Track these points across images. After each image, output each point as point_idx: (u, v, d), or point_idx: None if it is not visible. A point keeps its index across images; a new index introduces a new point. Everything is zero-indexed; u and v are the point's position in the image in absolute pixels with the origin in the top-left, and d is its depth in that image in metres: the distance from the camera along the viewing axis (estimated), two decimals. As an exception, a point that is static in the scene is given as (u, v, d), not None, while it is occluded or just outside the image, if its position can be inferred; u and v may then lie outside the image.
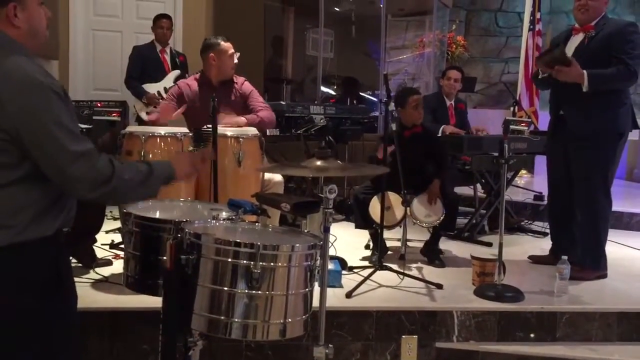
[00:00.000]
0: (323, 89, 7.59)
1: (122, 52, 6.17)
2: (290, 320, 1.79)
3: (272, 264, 1.75)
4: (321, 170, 1.95)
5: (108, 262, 3.45)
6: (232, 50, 3.75)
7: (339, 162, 1.98)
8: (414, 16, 8.95)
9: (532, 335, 3.11)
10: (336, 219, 4.95)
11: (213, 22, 6.55)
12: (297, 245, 1.82)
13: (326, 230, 1.89)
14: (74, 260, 3.38)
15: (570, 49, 3.73)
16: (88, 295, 2.97)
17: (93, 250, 3.48)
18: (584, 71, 3.50)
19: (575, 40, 3.77)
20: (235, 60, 3.79)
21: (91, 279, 3.21)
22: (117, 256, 3.54)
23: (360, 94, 8.02)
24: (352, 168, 2.05)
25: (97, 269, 3.32)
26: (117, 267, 3.34)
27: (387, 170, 2.41)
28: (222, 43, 3.74)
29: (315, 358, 1.91)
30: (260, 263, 1.72)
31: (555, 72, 3.56)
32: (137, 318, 2.79)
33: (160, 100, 5.22)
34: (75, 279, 3.12)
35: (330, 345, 1.94)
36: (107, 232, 4.00)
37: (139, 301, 2.63)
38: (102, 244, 3.65)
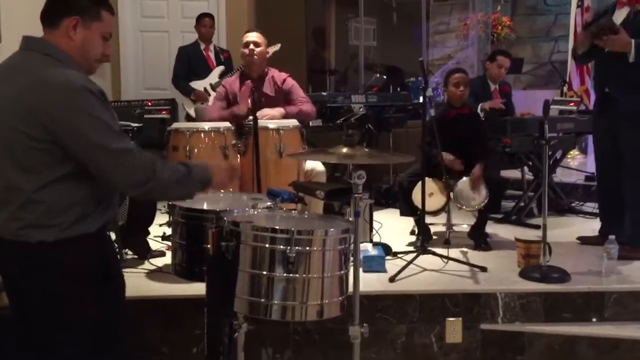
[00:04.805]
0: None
1: (170, 51, 6.38)
2: (327, 301, 1.87)
3: (307, 248, 1.83)
4: (347, 157, 2.01)
5: (161, 254, 3.61)
6: (247, 39, 3.78)
7: (365, 149, 2.03)
8: (456, -1, 8.84)
9: (580, 315, 3.09)
10: (378, 208, 4.98)
11: (255, 18, 6.67)
12: (331, 229, 1.89)
13: (356, 214, 1.95)
14: (129, 252, 3.57)
15: (615, 22, 3.65)
16: (143, 285, 3.13)
17: (147, 243, 3.65)
18: (632, 40, 3.44)
19: (620, 14, 3.69)
20: (270, 53, 3.87)
21: (146, 269, 3.38)
22: (169, 247, 3.68)
23: (405, 80, 7.99)
24: (378, 156, 2.10)
25: (151, 260, 3.49)
26: (170, 257, 3.48)
27: (413, 158, 2.41)
28: (245, 34, 3.84)
29: (351, 337, 1.98)
30: (296, 247, 1.80)
31: (603, 41, 3.49)
32: (189, 305, 2.91)
33: (208, 97, 5.39)
34: (131, 270, 3.34)
35: (365, 324, 2.00)
36: (160, 225, 4.17)
37: (191, 289, 2.77)
38: (155, 236, 3.83)
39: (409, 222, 4.22)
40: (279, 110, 3.63)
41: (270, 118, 3.50)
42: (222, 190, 2.03)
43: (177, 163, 1.90)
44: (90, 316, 1.77)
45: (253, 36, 3.80)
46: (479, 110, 4.88)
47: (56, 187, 1.70)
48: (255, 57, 3.74)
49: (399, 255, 3.60)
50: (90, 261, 1.77)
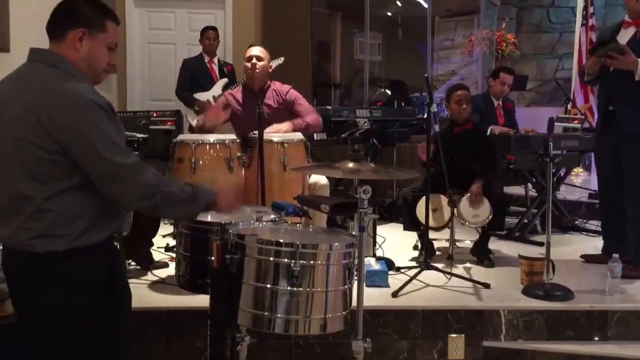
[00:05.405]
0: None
1: (176, 63, 6.42)
2: (330, 315, 1.87)
3: (311, 262, 1.83)
4: (353, 172, 2.02)
5: (164, 265, 3.62)
6: (249, 54, 3.83)
7: (371, 164, 2.04)
8: (462, 16, 8.89)
9: (583, 333, 3.07)
10: (381, 222, 4.99)
11: (261, 31, 6.73)
12: (336, 244, 1.90)
13: (361, 229, 1.96)
14: (132, 263, 3.57)
15: (621, 42, 3.68)
16: (146, 296, 3.13)
17: (150, 254, 3.65)
18: (638, 59, 3.47)
19: (626, 34, 3.72)
20: (274, 66, 3.89)
21: (148, 280, 3.38)
22: (172, 259, 3.69)
23: (410, 95, 8.04)
24: (383, 171, 2.11)
25: (154, 271, 3.49)
26: (173, 269, 3.48)
27: (418, 175, 2.42)
28: (249, 49, 3.88)
29: (354, 352, 1.98)
30: (300, 261, 1.80)
31: (610, 60, 3.52)
32: (192, 317, 2.92)
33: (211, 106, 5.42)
34: (134, 281, 3.33)
35: (368, 339, 2.00)
36: (163, 236, 4.18)
37: (194, 301, 2.76)
38: (158, 247, 3.83)
39: (412, 237, 4.21)
40: (287, 125, 3.65)
41: (277, 131, 3.52)
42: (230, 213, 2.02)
43: (184, 183, 1.88)
44: (96, 326, 1.77)
45: (256, 51, 3.83)
46: (488, 132, 4.89)
47: (65, 197, 1.71)
48: (257, 71, 3.78)
49: (402, 271, 3.59)
50: (97, 271, 1.77)
